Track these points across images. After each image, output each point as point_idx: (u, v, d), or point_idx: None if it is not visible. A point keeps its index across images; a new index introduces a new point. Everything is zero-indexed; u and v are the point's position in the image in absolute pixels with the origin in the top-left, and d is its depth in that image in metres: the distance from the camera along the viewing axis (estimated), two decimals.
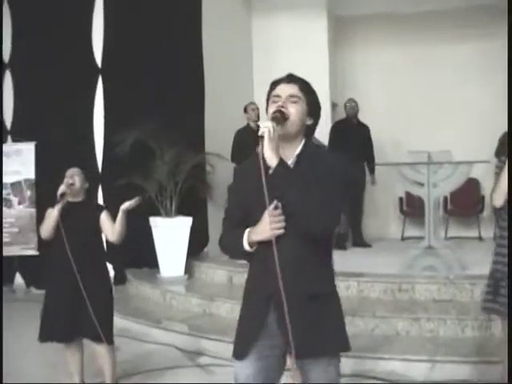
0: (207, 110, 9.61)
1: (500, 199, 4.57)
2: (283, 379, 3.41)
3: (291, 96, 3.25)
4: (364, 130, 10.83)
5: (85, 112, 10.11)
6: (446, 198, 11.39)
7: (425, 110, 11.72)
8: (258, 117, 9.57)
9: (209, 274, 9.05)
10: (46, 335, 5.58)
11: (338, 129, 10.66)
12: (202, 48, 9.65)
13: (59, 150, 9.60)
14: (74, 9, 10.06)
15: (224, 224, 3.47)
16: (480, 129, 10.92)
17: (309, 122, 3.34)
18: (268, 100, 3.34)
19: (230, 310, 7.60)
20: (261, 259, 3.19)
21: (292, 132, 3.23)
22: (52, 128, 9.88)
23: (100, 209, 5.69)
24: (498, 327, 5.95)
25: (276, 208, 3.09)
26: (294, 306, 3.10)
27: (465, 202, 11.54)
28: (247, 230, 3.21)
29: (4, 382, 5.52)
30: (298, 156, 3.25)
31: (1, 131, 10.15)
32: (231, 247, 3.39)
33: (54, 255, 5.53)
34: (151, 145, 9.02)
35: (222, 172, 9.55)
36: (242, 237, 3.22)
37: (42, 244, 9.76)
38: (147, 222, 9.09)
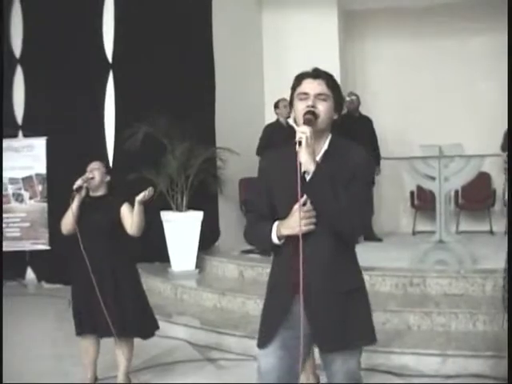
0: (218, 105, 9.61)
1: None
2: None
3: (320, 94, 3.25)
4: (366, 122, 10.78)
5: (96, 107, 10.12)
6: (457, 192, 11.35)
7: (435, 103, 11.68)
8: (289, 114, 9.54)
9: (220, 268, 9.05)
10: (80, 328, 5.55)
11: (340, 123, 10.61)
12: (213, 43, 9.64)
13: (70, 144, 9.62)
14: (85, 4, 10.06)
15: (248, 216, 3.52)
16: (491, 122, 10.86)
17: (335, 116, 3.36)
18: (293, 94, 3.35)
19: (241, 305, 7.61)
20: (288, 253, 3.22)
21: (321, 129, 3.26)
22: (63, 123, 9.89)
23: (121, 201, 5.60)
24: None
25: (304, 204, 3.11)
26: (324, 302, 3.18)
27: (476, 196, 11.50)
28: (276, 223, 3.24)
29: (17, 377, 5.55)
30: (326, 153, 3.28)
31: (0, 126, 10.14)
32: (259, 239, 3.43)
33: (76, 250, 5.48)
34: (162, 139, 9.01)
35: (232, 166, 9.56)
36: (270, 229, 3.25)
37: (53, 238, 9.83)
38: (158, 216, 9.09)
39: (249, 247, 9.13)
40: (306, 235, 3.12)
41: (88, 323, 5.46)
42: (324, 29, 11.54)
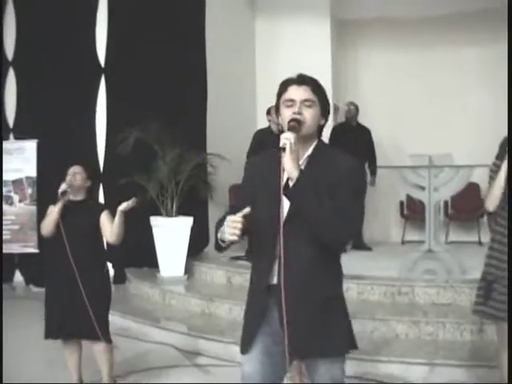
0: (209, 111, 9.63)
1: (493, 204, 4.63)
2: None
3: (305, 100, 3.26)
4: (364, 132, 10.84)
5: (87, 111, 10.13)
6: (446, 203, 11.39)
7: (426, 113, 11.72)
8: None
9: (208, 274, 9.06)
10: (48, 332, 5.60)
11: (337, 132, 10.65)
12: (205, 48, 9.67)
13: (61, 148, 9.60)
14: (78, 8, 10.07)
15: (227, 211, 3.47)
16: (481, 133, 10.90)
17: (321, 122, 3.36)
18: (279, 100, 3.35)
19: (228, 311, 7.62)
20: (265, 257, 3.23)
21: (307, 135, 3.26)
22: (54, 126, 9.89)
23: (100, 208, 5.65)
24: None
25: (245, 216, 3.11)
26: (300, 308, 3.17)
27: (465, 206, 11.54)
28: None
29: (4, 381, 5.52)
30: (309, 157, 3.27)
31: (0, 129, 10.15)
32: (215, 234, 3.38)
33: (54, 253, 5.52)
34: (153, 144, 9.02)
35: (223, 172, 9.56)
36: (219, 230, 3.28)
37: (42, 242, 9.79)
38: (148, 221, 9.09)
39: (238, 254, 9.16)
40: (287, 240, 3.13)
41: (61, 326, 5.49)
42: (317, 37, 11.56)
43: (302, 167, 3.17)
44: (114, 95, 10.03)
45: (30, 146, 10.17)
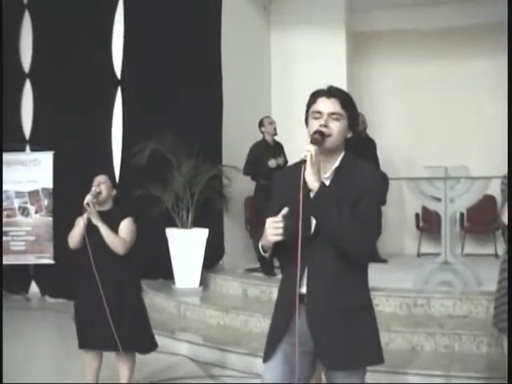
0: (225, 123, 9.64)
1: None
2: None
3: (333, 113, 3.26)
4: (371, 144, 10.82)
5: (103, 123, 10.17)
6: (462, 215, 11.35)
7: (441, 125, 11.72)
8: (275, 130, 9.55)
9: (224, 286, 9.04)
10: (82, 342, 5.58)
11: (348, 144, 10.63)
12: (221, 61, 9.68)
13: (77, 159, 9.66)
14: (95, 20, 10.15)
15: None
16: (496, 145, 10.87)
17: (349, 135, 3.38)
18: (308, 111, 3.36)
19: (244, 322, 7.61)
20: (292, 269, 3.21)
21: (332, 148, 3.28)
22: (70, 138, 9.94)
23: (122, 216, 5.61)
24: None
25: (284, 216, 3.11)
26: (327, 320, 3.18)
27: (481, 219, 11.50)
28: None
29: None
30: (336, 170, 3.29)
31: (1, 137, 10.17)
32: (256, 250, 3.40)
33: (80, 265, 5.50)
34: (168, 156, 9.03)
35: (238, 184, 9.57)
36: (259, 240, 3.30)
37: (57, 253, 9.84)
38: (163, 233, 9.09)
39: (253, 266, 9.16)
40: (310, 253, 3.16)
41: (90, 337, 5.47)
42: (332, 50, 11.58)
43: (330, 179, 3.22)
44: (129, 107, 10.07)
45: (46, 158, 10.22)
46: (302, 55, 11.55)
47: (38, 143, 10.48)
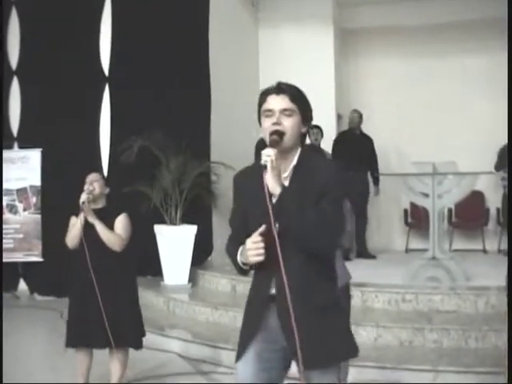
0: (213, 119, 9.64)
1: None
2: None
3: (284, 110, 3.22)
4: (367, 141, 10.84)
5: (91, 119, 10.14)
6: (450, 211, 11.39)
7: (430, 121, 11.73)
8: None
9: (212, 282, 9.05)
10: (71, 341, 5.57)
11: (340, 140, 10.67)
12: (209, 58, 9.69)
13: (65, 157, 9.63)
14: (82, 17, 10.10)
15: (230, 237, 3.47)
16: (485, 141, 10.92)
17: (303, 130, 3.32)
18: (259, 111, 3.32)
19: (232, 319, 7.60)
20: (265, 269, 3.20)
21: (289, 146, 3.22)
22: (58, 135, 9.90)
23: (116, 213, 5.61)
24: (502, 339, 5.97)
25: (262, 234, 3.08)
26: (297, 317, 3.12)
27: (469, 214, 11.54)
28: (241, 248, 3.22)
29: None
30: (294, 168, 3.25)
31: (1, 137, 10.16)
32: (232, 261, 3.36)
33: (75, 263, 5.49)
34: (157, 153, 9.03)
35: (226, 181, 9.52)
36: (236, 254, 3.26)
37: (46, 251, 9.82)
38: (152, 229, 9.10)
39: None
40: (281, 252, 3.08)
41: (83, 335, 5.47)
42: (320, 46, 11.60)
43: (289, 178, 3.19)
44: (117, 104, 10.06)
45: (35, 155, 10.19)
46: (290, 52, 11.56)
47: (26, 141, 10.44)
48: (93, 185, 5.53)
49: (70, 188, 5.56)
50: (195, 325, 7.85)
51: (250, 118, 11.41)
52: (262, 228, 3.08)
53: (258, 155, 9.37)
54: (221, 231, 9.78)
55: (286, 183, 3.17)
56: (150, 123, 9.03)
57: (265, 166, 3.03)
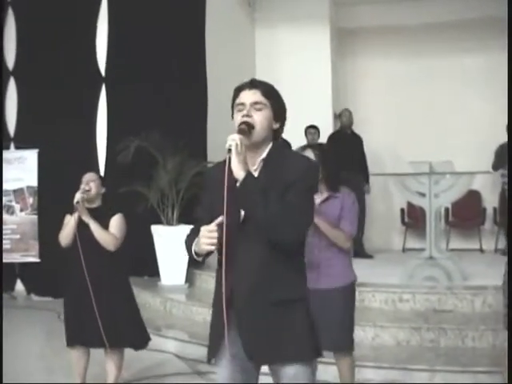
0: (210, 119, 9.63)
1: None
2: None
3: (255, 103, 3.25)
4: (358, 140, 10.84)
5: (88, 120, 10.13)
6: (447, 210, 11.41)
7: (427, 121, 11.74)
8: None
9: (209, 282, 9.01)
10: (70, 340, 5.57)
11: (333, 139, 10.66)
12: (206, 58, 9.68)
13: (62, 157, 9.62)
14: (79, 17, 10.09)
15: (193, 226, 3.43)
16: (482, 141, 10.93)
17: (275, 126, 3.32)
18: (233, 107, 3.36)
19: None
20: (223, 265, 3.16)
21: (259, 140, 3.22)
22: (55, 135, 9.88)
23: (111, 213, 5.62)
24: (499, 338, 5.98)
25: (218, 224, 3.04)
26: (253, 313, 3.13)
27: (466, 214, 11.55)
28: (196, 238, 3.20)
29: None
30: (264, 161, 3.24)
31: (1, 138, 10.16)
32: (187, 252, 3.35)
33: (70, 262, 5.50)
34: (154, 153, 9.03)
35: None
36: (192, 244, 3.25)
37: (43, 251, 9.81)
38: (149, 230, 9.10)
39: None
40: (238, 245, 3.11)
41: (79, 334, 5.47)
42: (316, 46, 11.61)
43: (258, 171, 3.18)
44: (114, 104, 10.05)
45: (31, 156, 10.17)
46: (287, 52, 11.58)
47: (22, 141, 10.42)
48: (89, 185, 5.54)
49: (67, 188, 5.54)
50: (192, 325, 7.85)
51: None
52: (221, 218, 3.03)
53: None
54: None
55: (255, 175, 3.14)
56: (146, 123, 9.03)
57: (229, 150, 3.01)
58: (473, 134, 11.33)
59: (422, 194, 8.06)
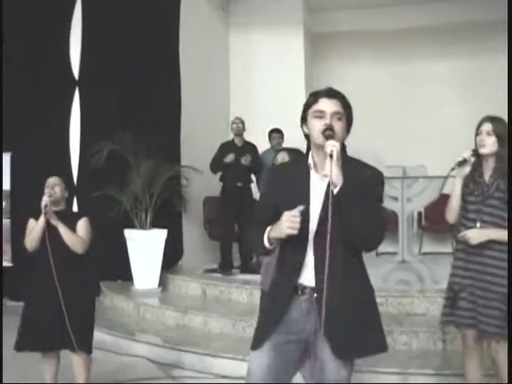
0: (183, 124, 9.63)
1: (452, 216, 4.80)
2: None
3: (336, 113, 3.34)
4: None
5: (61, 123, 10.07)
6: (420, 214, 11.46)
7: (400, 125, 11.80)
8: (238, 130, 9.47)
9: (183, 286, 9.04)
10: (24, 345, 5.55)
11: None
12: (179, 61, 9.69)
13: (35, 160, 9.56)
14: (52, 20, 10.04)
15: (253, 223, 3.51)
16: (455, 145, 10.95)
17: (346, 135, 3.47)
18: (306, 111, 3.42)
19: (203, 323, 7.61)
20: (293, 255, 3.33)
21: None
22: (28, 139, 9.82)
23: (77, 217, 5.64)
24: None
25: (297, 215, 3.15)
26: (338, 309, 3.24)
27: (439, 217, 11.47)
28: (268, 227, 3.29)
29: None
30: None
31: (0, 138, 10.06)
32: (253, 242, 3.45)
33: (36, 266, 5.48)
34: (127, 157, 9.01)
35: (197, 185, 9.58)
36: (263, 233, 3.31)
37: (16, 255, 9.74)
38: (122, 234, 9.07)
39: (211, 266, 9.19)
40: (318, 244, 3.24)
41: (36, 337, 5.45)
42: (290, 50, 11.66)
43: None
44: (87, 107, 10.00)
45: (4, 159, 10.10)
46: (261, 56, 11.61)
47: None
48: (54, 189, 5.55)
49: (40, 192, 5.53)
50: (165, 329, 7.84)
51: (221, 122, 11.50)
52: (302, 207, 3.17)
53: (220, 158, 9.32)
54: (191, 235, 9.80)
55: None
56: (120, 127, 9.00)
57: (330, 156, 3.12)
58: (446, 138, 11.38)
59: (395, 198, 8.12)
